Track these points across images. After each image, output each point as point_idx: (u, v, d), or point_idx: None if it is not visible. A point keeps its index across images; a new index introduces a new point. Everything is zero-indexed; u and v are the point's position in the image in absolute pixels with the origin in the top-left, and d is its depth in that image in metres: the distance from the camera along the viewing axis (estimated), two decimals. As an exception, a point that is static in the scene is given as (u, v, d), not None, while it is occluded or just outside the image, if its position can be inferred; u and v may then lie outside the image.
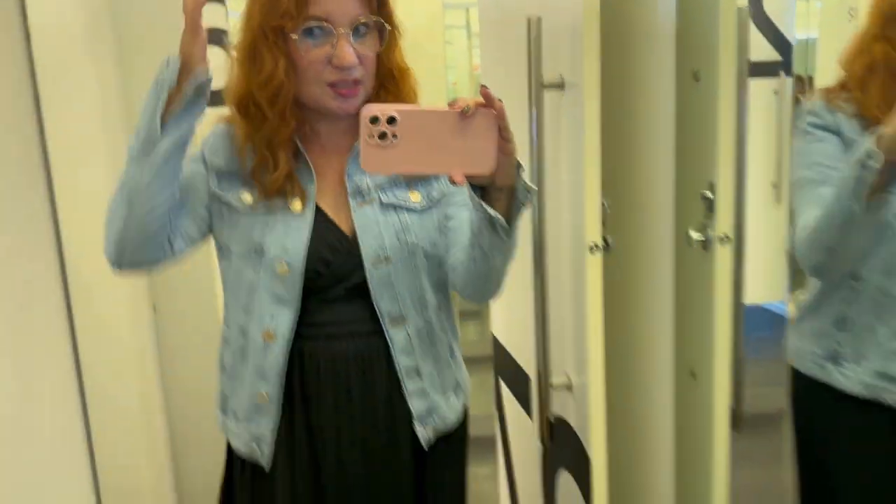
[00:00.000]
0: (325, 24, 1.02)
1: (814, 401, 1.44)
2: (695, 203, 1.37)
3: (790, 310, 4.25)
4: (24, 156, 1.25)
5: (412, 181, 1.16)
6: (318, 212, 1.13)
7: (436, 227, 1.16)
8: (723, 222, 1.31)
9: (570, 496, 1.58)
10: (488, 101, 0.85)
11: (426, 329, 1.17)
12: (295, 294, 1.11)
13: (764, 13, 2.97)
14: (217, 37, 1.89)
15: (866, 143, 1.14)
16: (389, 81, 1.15)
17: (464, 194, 1.09)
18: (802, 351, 1.43)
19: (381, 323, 1.13)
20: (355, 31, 1.04)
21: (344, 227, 1.13)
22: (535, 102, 1.39)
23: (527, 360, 1.80)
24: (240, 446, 1.20)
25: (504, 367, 2.02)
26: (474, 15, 3.53)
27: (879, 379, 1.32)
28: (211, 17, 1.33)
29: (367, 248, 1.11)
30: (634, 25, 1.50)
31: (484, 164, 0.87)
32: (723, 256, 1.33)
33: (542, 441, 1.58)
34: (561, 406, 1.56)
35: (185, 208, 1.13)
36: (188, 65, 0.99)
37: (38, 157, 1.28)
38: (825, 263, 1.29)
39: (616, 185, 1.51)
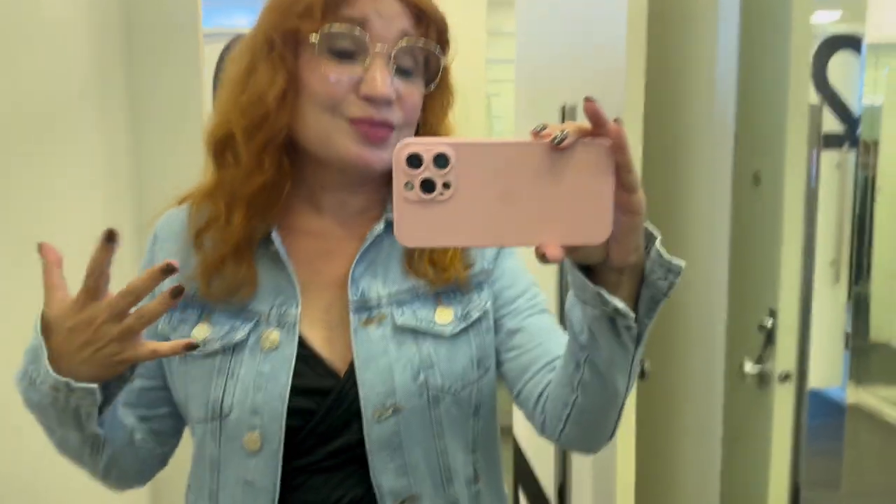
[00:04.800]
0: (358, 31, 0.71)
1: None
2: (750, 329, 1.15)
3: (848, 397, 3.96)
4: None
5: (442, 292, 0.79)
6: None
7: (472, 359, 0.79)
8: (784, 357, 1.08)
9: None
10: (597, 124, 0.51)
11: None
12: (272, 479, 0.75)
13: (828, 83, 2.76)
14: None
15: None
16: None
17: (533, 293, 0.82)
18: None
19: None
20: (398, 66, 0.74)
21: (335, 358, 0.76)
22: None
23: (547, 482, 1.58)
24: None
25: (525, 478, 1.80)
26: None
27: None
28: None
29: (369, 392, 0.74)
30: (682, 119, 1.29)
31: (594, 229, 0.53)
32: (783, 398, 1.10)
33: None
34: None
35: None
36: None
37: None
38: None
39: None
